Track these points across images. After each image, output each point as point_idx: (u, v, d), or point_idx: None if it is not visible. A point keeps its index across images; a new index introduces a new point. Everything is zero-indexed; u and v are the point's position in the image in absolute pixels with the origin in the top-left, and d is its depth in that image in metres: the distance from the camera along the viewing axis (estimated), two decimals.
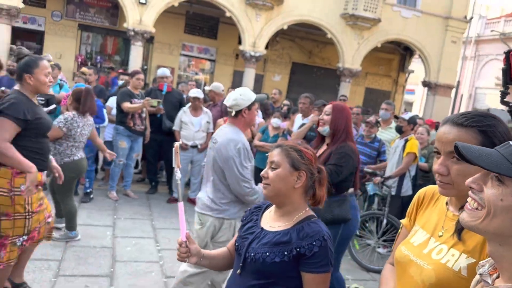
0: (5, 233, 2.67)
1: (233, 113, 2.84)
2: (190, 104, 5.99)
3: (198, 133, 5.97)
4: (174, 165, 1.72)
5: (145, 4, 12.64)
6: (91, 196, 5.53)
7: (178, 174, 1.71)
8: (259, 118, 6.45)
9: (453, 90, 17.64)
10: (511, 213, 0.88)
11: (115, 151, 5.74)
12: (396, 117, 6.06)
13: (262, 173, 1.68)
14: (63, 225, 4.26)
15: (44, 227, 2.97)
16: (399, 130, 5.29)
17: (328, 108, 3.13)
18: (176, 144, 1.71)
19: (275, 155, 1.65)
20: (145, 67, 14.87)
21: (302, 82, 17.78)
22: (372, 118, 5.59)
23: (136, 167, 6.82)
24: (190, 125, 5.93)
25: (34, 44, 14.91)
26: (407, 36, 15.78)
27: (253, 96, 2.86)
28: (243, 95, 2.82)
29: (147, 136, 6.10)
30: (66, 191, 4.07)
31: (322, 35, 15.50)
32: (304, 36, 17.09)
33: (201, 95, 5.97)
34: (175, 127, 5.99)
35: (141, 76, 5.88)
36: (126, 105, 5.58)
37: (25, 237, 2.78)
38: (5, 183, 2.62)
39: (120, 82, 6.54)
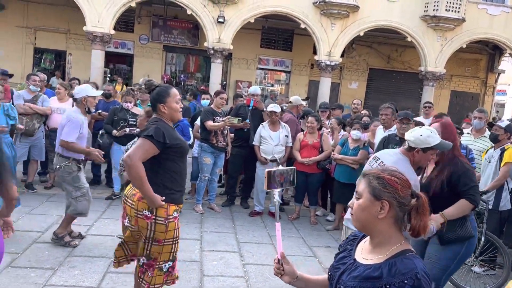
0: (153, 256, 2.84)
1: (407, 146, 2.95)
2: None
3: (277, 147, 6.05)
4: (264, 188, 1.78)
5: (223, 23, 13.17)
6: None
7: (276, 197, 1.74)
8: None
9: None
10: None
11: (200, 167, 6.05)
12: (491, 125, 5.63)
13: (349, 203, 1.66)
14: None
15: None
16: (495, 139, 4.91)
17: (436, 126, 3.16)
18: (266, 170, 1.74)
19: (359, 184, 1.60)
20: (224, 82, 15.44)
21: (381, 88, 17.24)
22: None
23: (219, 181, 7.09)
24: (269, 139, 6.04)
25: (124, 66, 16.25)
26: (495, 34, 14.64)
27: (433, 142, 2.88)
28: (423, 137, 2.88)
29: (228, 152, 6.35)
30: None
31: (401, 38, 14.95)
32: (382, 41, 16.61)
33: (278, 109, 6.07)
34: (255, 142, 6.14)
35: (225, 95, 6.14)
36: (209, 123, 5.85)
37: (170, 263, 2.88)
38: (162, 213, 2.78)
39: (203, 102, 6.87)
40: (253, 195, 6.52)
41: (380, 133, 5.49)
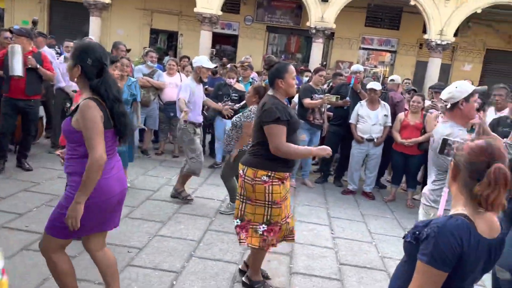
0: (247, 217, 3.11)
1: (449, 106, 2.81)
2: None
3: (375, 127, 5.95)
4: (437, 151, 1.99)
5: (327, 1, 12.99)
6: None
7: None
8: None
9: None
10: None
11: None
12: None
13: None
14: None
15: (285, 226, 3.21)
16: None
17: None
18: (443, 137, 1.97)
19: None
20: (325, 63, 15.28)
21: (499, 71, 15.58)
22: None
23: (313, 158, 7.19)
24: (367, 118, 5.96)
25: (229, 47, 16.93)
26: None
27: (470, 88, 2.78)
28: (458, 87, 2.77)
29: (324, 129, 6.41)
30: (232, 173, 4.71)
31: None
32: (503, 19, 14.90)
33: (378, 87, 5.94)
34: (352, 121, 6.10)
35: (323, 73, 6.20)
36: (307, 101, 5.95)
37: (265, 227, 3.04)
38: (250, 173, 3.04)
39: (305, 79, 6.99)
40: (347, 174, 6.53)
41: (492, 115, 5.09)
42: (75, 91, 4.90)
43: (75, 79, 2.38)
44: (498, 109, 5.12)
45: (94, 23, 14.00)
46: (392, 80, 7.01)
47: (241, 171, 3.11)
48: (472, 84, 7.96)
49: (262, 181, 2.99)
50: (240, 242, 3.16)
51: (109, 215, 2.48)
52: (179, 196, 5.01)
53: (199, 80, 5.02)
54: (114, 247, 3.68)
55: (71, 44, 7.78)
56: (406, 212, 5.72)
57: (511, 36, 15.49)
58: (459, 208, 1.56)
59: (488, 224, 1.54)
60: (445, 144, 1.88)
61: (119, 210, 2.58)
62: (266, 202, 3.03)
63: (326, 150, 2.97)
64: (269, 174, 2.99)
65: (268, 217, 3.05)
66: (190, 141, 4.92)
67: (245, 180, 3.05)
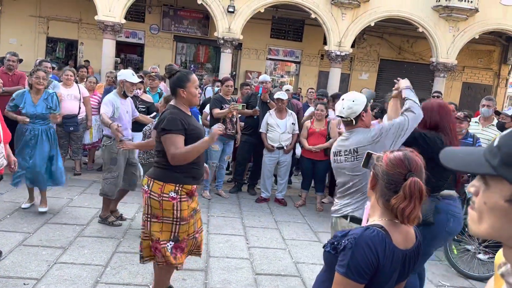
0: (155, 236, 2.89)
1: (354, 122, 2.72)
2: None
3: (283, 135, 6.10)
4: (361, 165, 1.85)
5: (233, 12, 13.17)
6: None
7: None
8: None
9: None
10: (497, 215, 0.80)
11: (209, 154, 6.12)
12: (498, 113, 5.63)
13: None
14: None
15: (192, 242, 3.05)
16: (502, 127, 4.90)
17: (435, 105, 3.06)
18: (368, 151, 1.83)
19: None
20: (234, 73, 15.45)
21: (392, 79, 17.02)
22: (460, 113, 5.22)
23: (227, 168, 7.17)
24: (276, 127, 6.09)
25: (135, 56, 16.35)
26: (509, 25, 14.39)
27: (364, 98, 2.76)
28: (356, 101, 2.69)
29: (237, 139, 6.42)
30: None
31: (413, 29, 14.79)
32: (393, 31, 16.46)
33: (285, 97, 6.10)
34: (262, 130, 6.20)
35: (231, 83, 6.20)
36: (216, 111, 5.92)
37: (172, 243, 2.90)
38: (156, 189, 2.85)
39: (217, 89, 6.99)
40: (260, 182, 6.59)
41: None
42: None
43: None
44: None
45: None
46: (287, 90, 7.34)
47: (145, 187, 2.90)
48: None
49: (170, 198, 2.83)
50: (143, 261, 3.02)
51: None
52: (105, 222, 4.69)
53: (123, 95, 4.70)
54: (7, 280, 3.27)
55: None
56: (316, 215, 5.92)
57: (401, 47, 17.13)
58: (376, 218, 1.56)
59: (403, 235, 1.55)
60: (369, 158, 1.86)
61: None
62: (174, 219, 2.87)
63: (216, 130, 2.87)
64: (177, 188, 2.84)
65: (176, 234, 2.91)
66: (111, 160, 4.57)
67: (151, 196, 2.86)
